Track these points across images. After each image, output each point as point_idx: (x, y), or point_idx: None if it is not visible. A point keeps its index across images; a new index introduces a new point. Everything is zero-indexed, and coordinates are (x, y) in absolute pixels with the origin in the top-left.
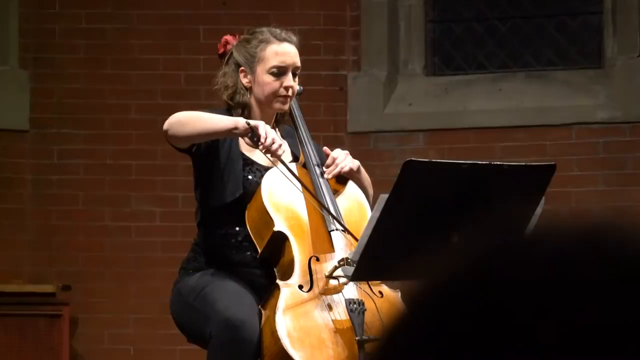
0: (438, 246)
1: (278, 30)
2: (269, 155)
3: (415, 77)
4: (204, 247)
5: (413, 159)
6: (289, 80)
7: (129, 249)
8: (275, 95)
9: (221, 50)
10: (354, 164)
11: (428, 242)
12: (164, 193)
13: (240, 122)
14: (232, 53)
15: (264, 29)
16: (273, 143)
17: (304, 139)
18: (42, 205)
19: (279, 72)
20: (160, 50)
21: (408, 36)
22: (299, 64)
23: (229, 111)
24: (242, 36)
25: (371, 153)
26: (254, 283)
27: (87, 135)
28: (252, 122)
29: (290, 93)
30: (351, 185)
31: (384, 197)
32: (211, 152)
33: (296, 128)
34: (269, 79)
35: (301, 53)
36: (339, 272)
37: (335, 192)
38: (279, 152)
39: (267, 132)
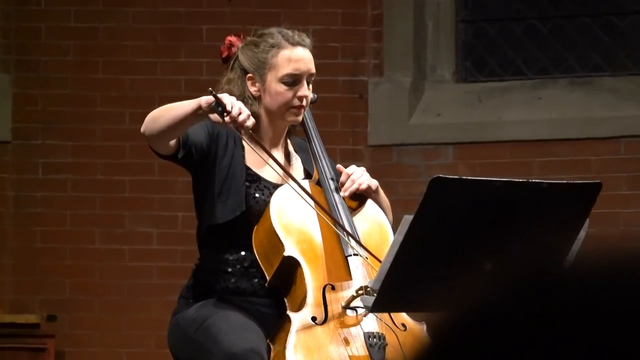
0: (469, 274)
1: (290, 33)
2: (233, 128)
3: (444, 83)
4: (206, 274)
5: (441, 175)
6: (304, 89)
7: (122, 275)
8: (288, 106)
9: (225, 54)
10: (372, 182)
11: (457, 269)
12: (162, 212)
13: (202, 99)
14: (237, 57)
15: (274, 31)
16: (240, 113)
17: (318, 153)
18: (24, 225)
19: (293, 80)
20: (157, 53)
21: (436, 37)
22: (313, 70)
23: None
24: (248, 38)
25: (394, 168)
26: (261, 314)
27: (75, 147)
28: (212, 96)
29: (304, 103)
30: (371, 205)
31: (408, 218)
32: (208, 163)
33: (309, 141)
34: (281, 88)
35: (316, 56)
36: (357, 302)
37: (353, 213)
38: (247, 123)
39: (233, 102)
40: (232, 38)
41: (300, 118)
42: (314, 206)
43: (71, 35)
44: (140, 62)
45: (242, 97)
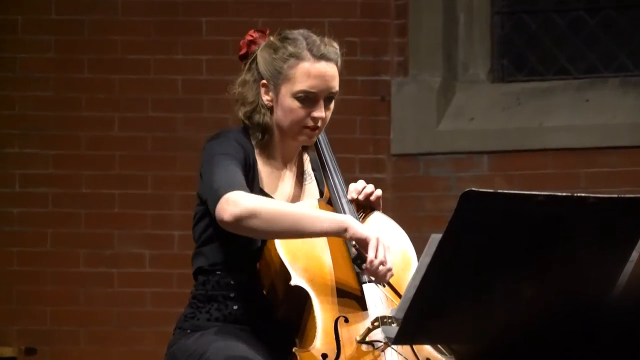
0: (505, 302)
1: (317, 41)
2: (373, 280)
3: (478, 84)
4: (205, 301)
5: (474, 189)
6: (320, 109)
7: (111, 302)
8: (300, 125)
9: (243, 51)
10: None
11: (492, 296)
12: (156, 231)
13: (349, 224)
14: (256, 57)
15: (299, 37)
16: (381, 265)
17: (329, 167)
18: (0, 246)
19: (308, 98)
20: (151, 49)
21: (469, 31)
22: (336, 89)
23: (245, 131)
24: (271, 38)
25: (421, 181)
26: (268, 344)
27: (57, 157)
28: (361, 233)
29: (319, 124)
30: (389, 223)
31: (436, 237)
32: None
33: (318, 153)
34: (295, 104)
35: None
36: (373, 335)
37: None
38: (387, 277)
39: (378, 252)
40: (255, 34)
41: (313, 141)
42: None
43: (52, 29)
44: (132, 60)
45: (256, 105)
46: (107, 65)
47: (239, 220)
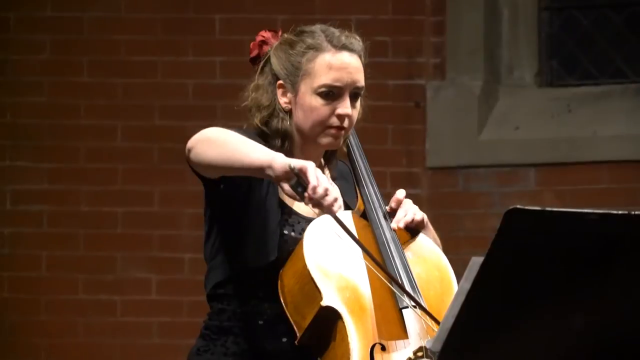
0: (554, 333)
1: (336, 32)
2: (317, 210)
3: (523, 88)
4: (220, 333)
5: (519, 206)
6: (345, 106)
7: (113, 334)
8: (324, 125)
9: (255, 53)
10: (422, 215)
11: (540, 326)
12: (163, 254)
13: (277, 159)
14: (269, 58)
15: (317, 29)
16: (326, 195)
17: (364, 178)
18: None
19: (332, 93)
20: (158, 50)
21: (514, 29)
22: (361, 82)
23: (261, 136)
24: (285, 35)
25: (460, 197)
26: None
27: (53, 171)
28: (296, 163)
29: (346, 124)
30: (426, 241)
31: (477, 260)
32: (241, 194)
33: (352, 162)
34: (317, 101)
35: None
36: None
37: (406, 252)
38: (335, 207)
39: (319, 179)
40: (266, 34)
41: (339, 142)
42: (360, 247)
43: (48, 27)
44: (136, 62)
45: (272, 110)
46: (109, 68)
47: (192, 148)
